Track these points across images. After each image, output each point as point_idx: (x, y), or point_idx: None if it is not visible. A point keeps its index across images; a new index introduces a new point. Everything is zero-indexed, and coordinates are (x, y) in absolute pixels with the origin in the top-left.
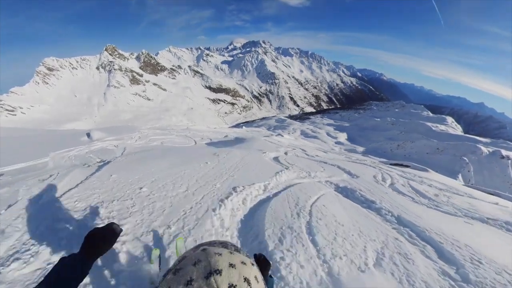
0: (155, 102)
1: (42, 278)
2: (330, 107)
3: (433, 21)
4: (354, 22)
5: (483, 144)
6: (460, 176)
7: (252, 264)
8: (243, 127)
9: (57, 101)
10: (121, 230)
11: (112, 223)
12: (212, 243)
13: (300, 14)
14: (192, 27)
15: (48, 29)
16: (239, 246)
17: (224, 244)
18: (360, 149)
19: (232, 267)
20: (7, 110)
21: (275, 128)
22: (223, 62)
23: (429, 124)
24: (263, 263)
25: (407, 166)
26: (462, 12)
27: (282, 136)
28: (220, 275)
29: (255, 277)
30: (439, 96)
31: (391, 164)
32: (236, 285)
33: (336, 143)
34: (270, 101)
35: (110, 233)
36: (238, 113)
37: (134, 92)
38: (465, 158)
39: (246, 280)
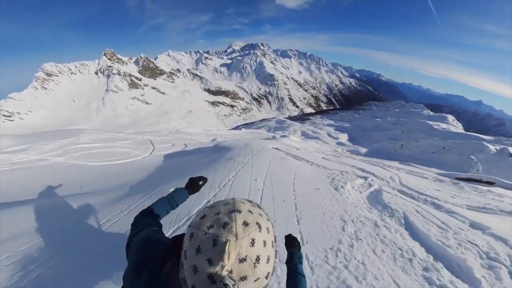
0: (154, 105)
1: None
2: (330, 108)
3: (429, 20)
4: (352, 23)
5: (488, 142)
6: None
7: (268, 220)
8: (242, 129)
9: (55, 106)
10: (207, 180)
11: (202, 176)
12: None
13: (298, 16)
14: (191, 31)
15: (47, 35)
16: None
17: (249, 200)
18: (363, 150)
19: (250, 212)
20: (4, 115)
21: (275, 129)
22: (222, 65)
23: (430, 122)
24: (291, 239)
25: (490, 184)
26: (459, 11)
27: (289, 137)
28: (240, 213)
29: (267, 229)
30: (437, 94)
31: (457, 179)
32: (249, 224)
33: (337, 144)
34: (269, 102)
35: (202, 179)
36: (238, 115)
37: (132, 96)
38: (473, 157)
39: (257, 224)
